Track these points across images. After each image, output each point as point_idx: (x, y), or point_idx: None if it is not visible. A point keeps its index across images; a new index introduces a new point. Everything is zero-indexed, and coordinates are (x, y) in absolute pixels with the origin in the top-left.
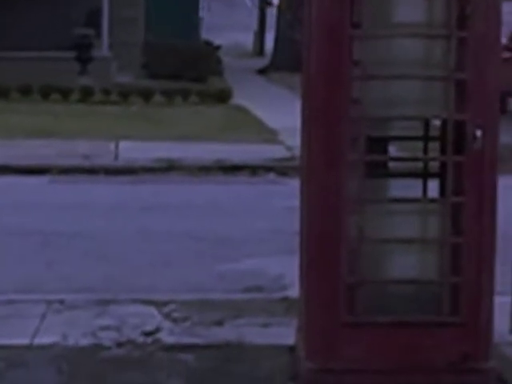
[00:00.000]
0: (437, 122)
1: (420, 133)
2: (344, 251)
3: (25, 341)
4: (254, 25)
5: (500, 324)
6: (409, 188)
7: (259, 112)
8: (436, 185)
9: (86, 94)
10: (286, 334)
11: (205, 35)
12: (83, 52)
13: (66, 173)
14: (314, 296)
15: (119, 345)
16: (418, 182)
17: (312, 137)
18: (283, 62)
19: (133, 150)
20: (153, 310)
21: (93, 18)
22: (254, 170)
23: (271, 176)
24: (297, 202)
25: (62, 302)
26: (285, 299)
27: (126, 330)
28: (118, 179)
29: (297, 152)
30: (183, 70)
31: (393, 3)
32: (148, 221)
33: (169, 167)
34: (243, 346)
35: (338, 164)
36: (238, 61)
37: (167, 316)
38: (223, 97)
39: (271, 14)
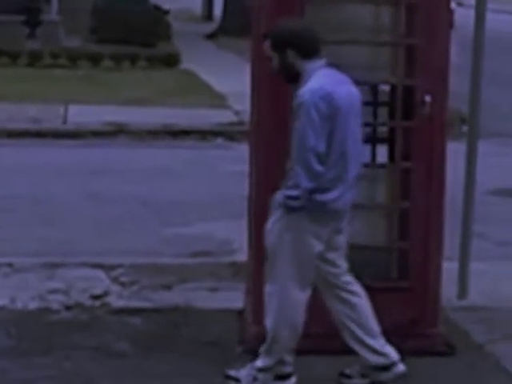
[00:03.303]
0: (386, 88)
1: (369, 98)
2: None
3: None
4: None
5: (448, 289)
6: None
7: (208, 77)
8: (385, 150)
9: (35, 58)
10: (234, 298)
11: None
12: (32, 16)
13: (15, 136)
14: (261, 260)
15: (67, 308)
16: (367, 148)
17: (262, 101)
18: (232, 27)
19: (81, 114)
20: (101, 273)
21: None
22: (202, 134)
23: (219, 141)
24: (245, 167)
25: (10, 265)
26: (233, 264)
27: (74, 293)
28: (66, 143)
29: (245, 117)
30: (132, 34)
31: None
32: (96, 185)
33: (117, 131)
34: (191, 310)
35: (288, 128)
36: (187, 25)
37: (115, 280)
38: (172, 61)
39: None
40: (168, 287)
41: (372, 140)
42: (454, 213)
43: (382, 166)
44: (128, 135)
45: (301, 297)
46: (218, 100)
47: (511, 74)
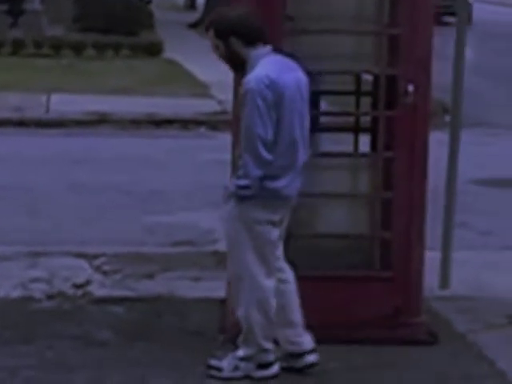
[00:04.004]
0: (369, 77)
1: (352, 87)
2: None
3: None
4: None
5: (430, 279)
6: (340, 143)
7: (191, 66)
8: (367, 140)
9: (18, 47)
10: (216, 287)
11: None
12: (15, 5)
13: None
14: None
15: (50, 297)
16: (350, 137)
17: None
18: None
19: (64, 103)
20: (83, 262)
21: None
22: (185, 123)
23: (202, 130)
24: (227, 156)
25: None
26: (215, 253)
27: (56, 282)
28: (48, 132)
29: (228, 106)
30: (115, 23)
31: None
32: (79, 174)
33: (100, 120)
34: (174, 299)
35: None
36: (170, 14)
37: (98, 269)
38: (155, 50)
39: None
40: (150, 276)
41: (355, 129)
42: (437, 202)
43: (365, 155)
44: (111, 124)
45: (267, 284)
46: (201, 89)
47: (494, 63)
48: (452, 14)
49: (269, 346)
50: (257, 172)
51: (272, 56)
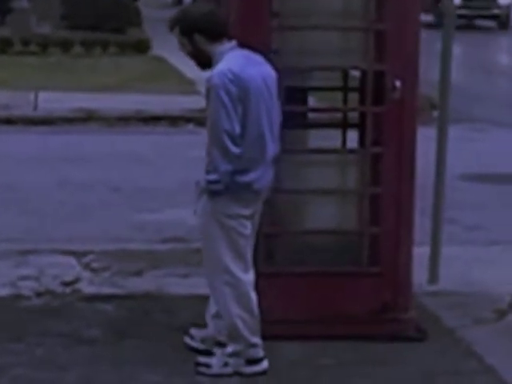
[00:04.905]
0: (356, 73)
1: (339, 83)
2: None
3: None
4: None
5: (418, 274)
6: (328, 138)
7: (178, 63)
8: (355, 135)
9: (6, 45)
10: (204, 283)
11: None
12: (2, 3)
13: None
14: None
15: (38, 295)
16: (337, 133)
17: None
18: None
19: (52, 101)
20: (72, 260)
21: None
22: (173, 120)
23: (190, 126)
24: None
25: None
26: None
27: (45, 280)
28: (36, 129)
29: None
30: (102, 21)
31: None
32: (67, 171)
33: (88, 118)
34: (162, 296)
35: None
36: (157, 12)
37: (86, 266)
38: (142, 47)
39: None
40: (139, 273)
41: (343, 125)
42: (425, 198)
43: (353, 151)
44: (99, 121)
45: (245, 278)
46: (188, 86)
47: (482, 59)
48: (489, 17)
49: (256, 340)
50: (225, 166)
51: (237, 51)
